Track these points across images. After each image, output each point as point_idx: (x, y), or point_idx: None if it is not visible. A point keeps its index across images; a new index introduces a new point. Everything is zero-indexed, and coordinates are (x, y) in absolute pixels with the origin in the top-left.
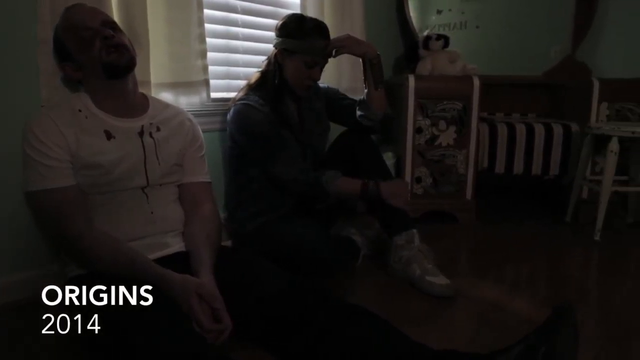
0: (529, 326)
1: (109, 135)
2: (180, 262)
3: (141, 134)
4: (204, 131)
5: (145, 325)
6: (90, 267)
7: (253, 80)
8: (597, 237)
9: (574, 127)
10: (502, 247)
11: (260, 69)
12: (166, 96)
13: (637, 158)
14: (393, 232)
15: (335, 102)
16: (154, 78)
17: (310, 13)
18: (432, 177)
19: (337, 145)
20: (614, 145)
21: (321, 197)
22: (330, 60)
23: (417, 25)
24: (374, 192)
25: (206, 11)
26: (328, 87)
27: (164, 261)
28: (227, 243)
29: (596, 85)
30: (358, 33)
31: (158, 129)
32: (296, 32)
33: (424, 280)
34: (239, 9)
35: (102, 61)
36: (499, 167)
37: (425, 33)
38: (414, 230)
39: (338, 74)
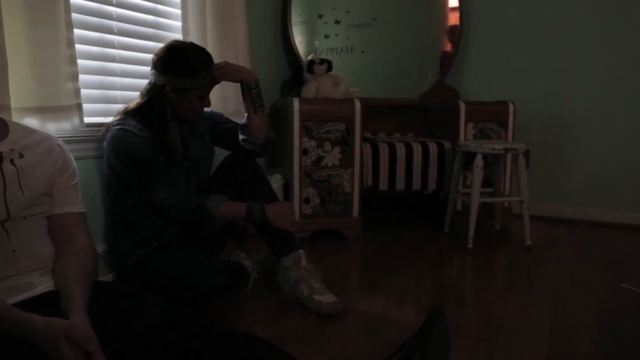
0: (412, 334)
1: None
2: (50, 303)
3: (0, 161)
4: (78, 158)
5: None
6: None
7: (133, 105)
8: (470, 245)
9: (447, 145)
10: (388, 260)
11: (142, 98)
12: (31, 122)
13: (498, 172)
14: (280, 254)
15: (219, 126)
16: (15, 102)
17: (193, 38)
18: (320, 197)
19: (221, 169)
20: (479, 161)
21: (206, 223)
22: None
23: (307, 48)
24: (259, 215)
25: (79, 31)
26: (212, 111)
27: (30, 304)
28: (107, 277)
29: (462, 107)
30: (242, 58)
31: (21, 156)
32: (186, 70)
33: (312, 299)
34: (115, 30)
35: None
36: (383, 185)
37: (310, 57)
38: (301, 251)
39: (223, 98)
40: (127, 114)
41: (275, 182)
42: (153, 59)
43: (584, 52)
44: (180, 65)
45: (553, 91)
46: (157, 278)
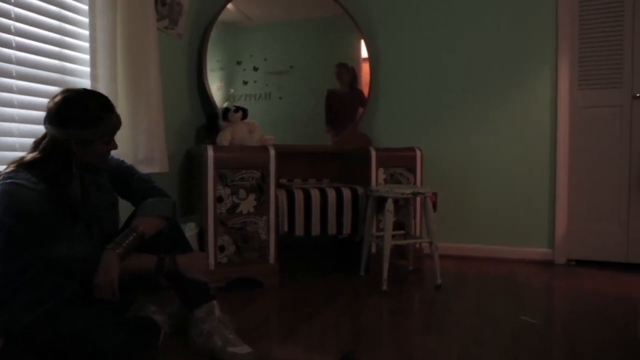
0: None
1: None
2: None
3: None
4: None
5: None
6: None
7: (28, 158)
8: (384, 287)
9: (360, 190)
10: (305, 306)
11: (40, 153)
12: None
13: (409, 215)
14: (193, 305)
15: (125, 182)
16: None
17: (103, 84)
18: (235, 245)
19: (131, 219)
20: (389, 206)
21: None
22: (127, 130)
23: (225, 94)
24: (170, 266)
25: None
26: (121, 161)
27: None
28: None
29: (373, 153)
30: (154, 105)
31: None
32: (89, 121)
33: (226, 351)
34: (14, 74)
35: None
36: (299, 230)
37: (225, 105)
38: (214, 302)
39: (134, 144)
40: (21, 166)
41: (189, 230)
42: (48, 112)
43: (483, 103)
44: (80, 116)
45: (458, 137)
46: (53, 341)
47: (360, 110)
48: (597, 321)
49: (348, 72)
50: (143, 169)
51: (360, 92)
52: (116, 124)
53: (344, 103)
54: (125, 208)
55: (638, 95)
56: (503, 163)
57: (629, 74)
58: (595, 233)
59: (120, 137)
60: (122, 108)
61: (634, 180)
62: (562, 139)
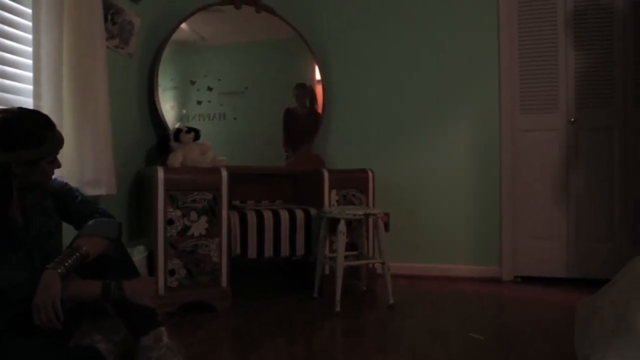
0: None
1: None
2: None
3: None
4: None
5: None
6: None
7: None
8: (338, 308)
9: (313, 211)
10: (258, 329)
11: None
12: None
13: (362, 236)
14: (140, 333)
15: (67, 205)
16: None
17: (46, 103)
18: (187, 269)
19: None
20: (342, 227)
21: None
22: (72, 150)
23: (178, 114)
24: (117, 292)
25: None
26: (64, 183)
27: None
28: None
29: (325, 175)
30: (102, 125)
31: None
32: (32, 140)
33: None
34: None
35: None
36: (251, 252)
37: (177, 126)
38: (162, 328)
39: (80, 166)
40: None
41: (138, 253)
42: None
43: (432, 126)
44: (22, 137)
45: (408, 159)
46: None
47: (315, 131)
48: (539, 336)
49: (307, 92)
50: (89, 191)
51: (316, 112)
52: (60, 141)
53: (300, 123)
54: (69, 232)
55: (572, 120)
56: (452, 184)
57: (564, 100)
58: (538, 250)
59: (65, 158)
60: (67, 128)
61: (571, 199)
62: (505, 161)
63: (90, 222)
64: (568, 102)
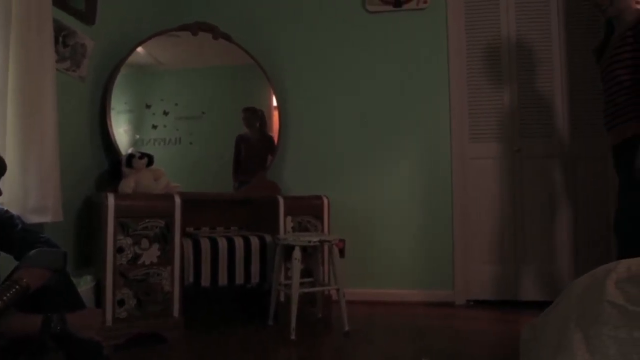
0: None
1: None
2: None
3: None
4: None
5: None
6: None
7: None
8: (293, 336)
9: (268, 238)
10: None
11: None
12: None
13: (317, 262)
14: None
15: (6, 233)
16: None
17: None
18: (137, 298)
19: (14, 273)
20: (297, 254)
21: None
22: (16, 175)
23: (131, 138)
24: (59, 325)
25: None
26: (5, 210)
27: None
28: None
29: (281, 201)
30: (49, 150)
31: None
32: None
33: None
34: None
35: None
36: (205, 281)
37: (130, 151)
38: None
39: (24, 192)
40: None
41: (85, 283)
42: None
43: (386, 153)
44: None
45: (363, 185)
46: None
47: (269, 157)
48: (489, 358)
49: (256, 116)
50: (34, 219)
51: (270, 138)
52: (2, 166)
53: (252, 149)
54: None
55: (517, 149)
56: (405, 210)
57: (510, 130)
58: (489, 274)
59: (7, 184)
60: (11, 153)
61: (518, 224)
62: (456, 187)
63: (31, 252)
64: (513, 132)
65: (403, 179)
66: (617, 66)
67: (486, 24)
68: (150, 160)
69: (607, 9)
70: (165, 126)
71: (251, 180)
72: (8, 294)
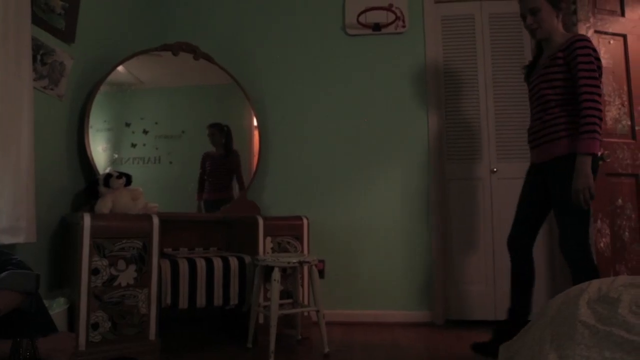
0: None
1: None
2: None
3: None
4: None
5: None
6: None
7: None
8: (271, 359)
9: (247, 259)
10: None
11: None
12: None
13: (296, 283)
14: None
15: None
16: None
17: None
18: (112, 321)
19: None
20: (276, 275)
21: None
22: None
23: (109, 157)
24: (29, 351)
25: None
26: None
27: None
28: None
29: (260, 222)
30: (24, 169)
31: None
32: None
33: None
34: None
35: None
36: (183, 302)
37: (107, 171)
38: None
39: None
40: None
41: (57, 306)
42: None
43: (366, 173)
44: None
45: (342, 206)
46: None
47: (235, 174)
48: None
49: (221, 133)
50: (6, 240)
51: (236, 155)
52: None
53: (217, 166)
54: None
55: (494, 169)
56: (385, 231)
57: (487, 150)
58: (468, 294)
59: None
60: None
61: (496, 245)
62: (434, 208)
63: (2, 275)
64: (490, 153)
65: (382, 201)
66: (545, 86)
67: (462, 49)
68: (128, 179)
69: (536, 31)
70: (144, 145)
71: (215, 198)
72: None
